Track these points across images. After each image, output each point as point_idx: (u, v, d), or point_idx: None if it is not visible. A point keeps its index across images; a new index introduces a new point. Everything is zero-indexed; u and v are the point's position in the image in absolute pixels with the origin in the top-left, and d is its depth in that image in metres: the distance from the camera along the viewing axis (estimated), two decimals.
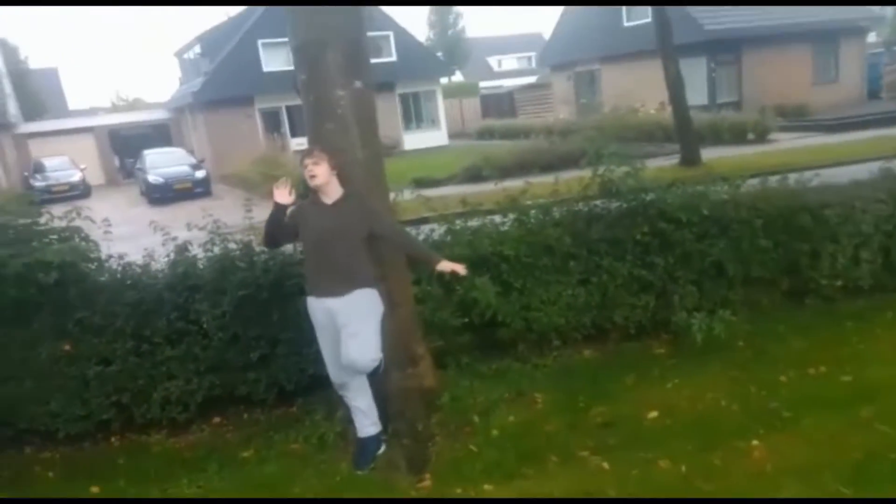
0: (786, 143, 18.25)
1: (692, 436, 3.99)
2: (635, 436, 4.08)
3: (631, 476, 3.64)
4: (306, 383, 4.91)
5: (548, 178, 6.04)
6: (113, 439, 4.89)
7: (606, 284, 5.30)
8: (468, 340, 5.26)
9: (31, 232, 4.80)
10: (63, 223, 4.95)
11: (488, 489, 3.67)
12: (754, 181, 6.09)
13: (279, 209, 3.91)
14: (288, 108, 25.88)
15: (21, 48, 47.39)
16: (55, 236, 4.86)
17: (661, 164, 14.72)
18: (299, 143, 25.53)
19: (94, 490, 4.19)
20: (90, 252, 4.93)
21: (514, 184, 6.01)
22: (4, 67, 26.40)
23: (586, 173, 5.64)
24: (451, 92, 35.53)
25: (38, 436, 4.83)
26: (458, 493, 3.66)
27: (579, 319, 5.32)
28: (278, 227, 3.98)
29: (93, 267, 4.94)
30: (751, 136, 18.96)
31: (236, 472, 4.20)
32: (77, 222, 4.99)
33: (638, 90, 23.28)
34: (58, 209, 5.11)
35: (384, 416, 4.22)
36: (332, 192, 3.91)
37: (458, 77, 46.64)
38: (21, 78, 34.50)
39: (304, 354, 4.82)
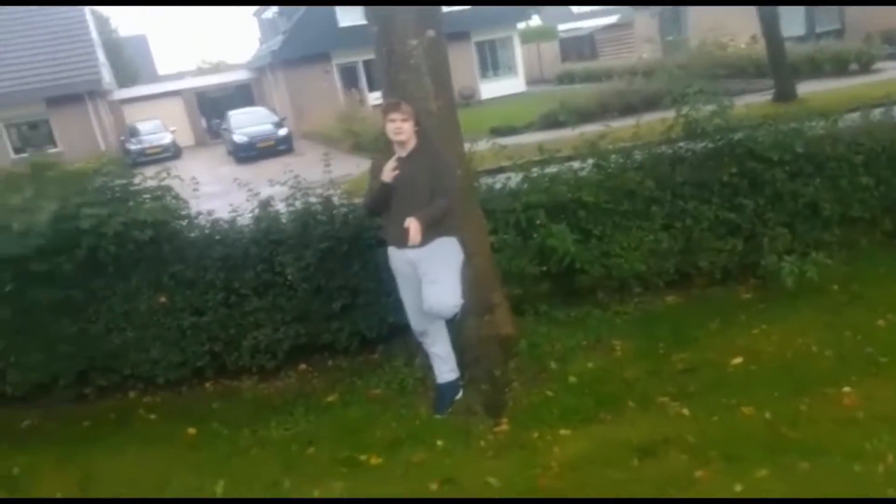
0: (893, 72, 16.86)
1: (779, 382, 3.85)
2: (718, 382, 3.99)
3: (711, 422, 3.57)
4: (386, 331, 5.04)
5: (629, 122, 5.84)
6: (207, 385, 5.19)
7: (691, 228, 5.12)
8: (547, 288, 5.23)
9: (127, 192, 5.06)
10: (155, 183, 5.20)
11: (565, 433, 3.69)
12: (855, 115, 5.69)
13: (385, 188, 3.86)
14: (365, 63, 25.96)
15: (111, 18, 49.33)
16: (148, 196, 5.11)
17: (754, 100, 13.92)
18: (377, 97, 25.59)
19: (191, 431, 4.47)
20: (180, 210, 5.17)
21: (593, 129, 5.83)
22: (98, 37, 27.54)
23: (669, 114, 5.42)
24: (529, 37, 34.60)
25: (140, 381, 5.17)
26: (535, 436, 3.70)
27: (662, 265, 5.19)
28: (382, 202, 3.97)
29: (183, 224, 5.18)
30: (854, 66, 17.63)
31: (321, 416, 4.39)
32: (167, 182, 5.23)
33: (727, 24, 21.93)
34: (151, 171, 5.35)
35: (462, 362, 4.28)
36: (409, 145, 3.90)
37: (535, 21, 45.32)
38: (113, 46, 36.01)
39: (384, 304, 4.93)
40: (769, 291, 5.07)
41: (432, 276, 3.84)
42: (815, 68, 17.67)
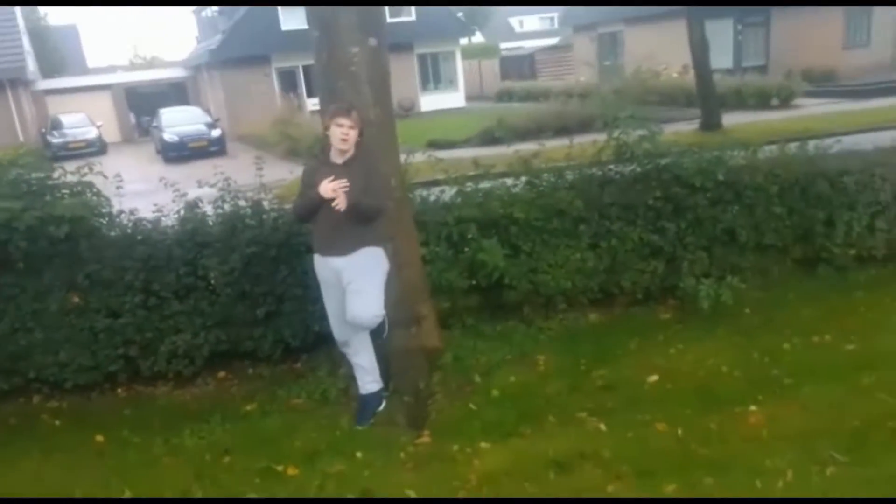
0: (810, 108, 17.85)
1: (691, 400, 3.99)
2: (634, 399, 4.09)
3: (627, 438, 3.66)
4: (311, 340, 4.97)
5: (563, 142, 5.97)
6: (119, 390, 4.98)
7: (616, 249, 5.26)
8: (474, 302, 5.28)
9: (44, 186, 4.83)
10: (76, 178, 4.98)
11: (485, 446, 3.70)
12: (773, 147, 5.98)
13: (318, 199, 3.75)
14: (305, 68, 25.67)
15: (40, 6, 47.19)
16: (67, 191, 4.90)
17: (681, 128, 14.49)
18: (315, 102, 25.33)
19: (99, 438, 4.28)
20: (101, 207, 4.97)
21: (528, 147, 5.93)
22: (23, 24, 26.31)
23: (602, 137, 5.57)
24: (471, 53, 35.03)
25: (46, 385, 4.91)
26: (455, 449, 3.70)
27: (587, 283, 5.30)
28: (312, 212, 3.88)
29: (103, 222, 4.98)
30: (775, 101, 18.56)
31: (238, 425, 4.28)
32: (89, 178, 5.02)
33: (661, 53, 22.79)
34: (73, 165, 5.13)
35: (386, 373, 4.26)
36: (349, 153, 3.84)
37: (478, 38, 45.93)
38: (40, 35, 34.47)
39: (310, 311, 4.85)
40: (686, 313, 5.25)
41: (356, 286, 3.81)
42: (740, 101, 18.51)
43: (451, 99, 28.64)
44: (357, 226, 3.81)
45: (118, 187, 5.34)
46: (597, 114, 14.33)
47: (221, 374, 5.05)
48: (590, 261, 5.27)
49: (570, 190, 5.34)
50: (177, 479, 3.72)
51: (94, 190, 5.00)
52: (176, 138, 20.25)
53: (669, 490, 3.16)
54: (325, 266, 3.92)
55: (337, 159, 3.87)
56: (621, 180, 5.48)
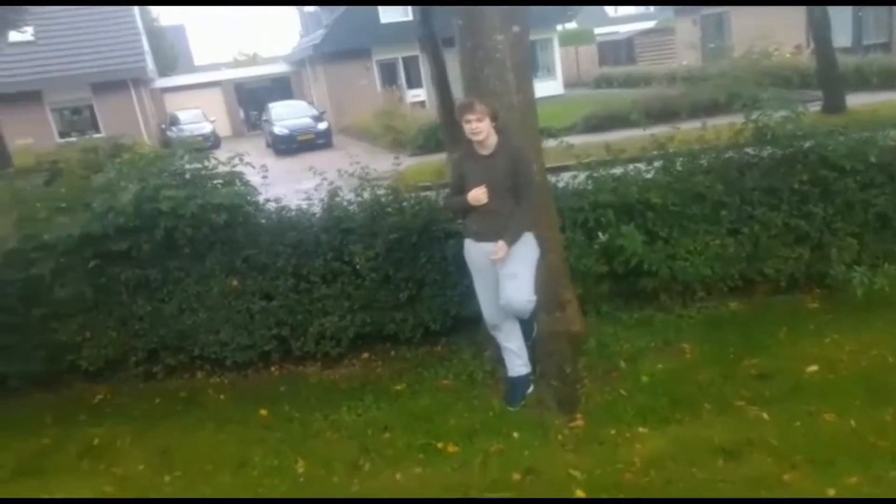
0: None
1: (858, 391, 3.84)
2: (794, 388, 3.98)
3: (794, 427, 3.57)
4: (450, 324, 5.10)
5: (681, 126, 5.82)
6: (273, 369, 5.28)
7: (758, 235, 5.11)
8: (607, 289, 5.25)
9: (200, 176, 5.18)
10: (226, 169, 5.30)
11: (643, 431, 3.71)
12: None
13: (468, 205, 3.93)
14: (404, 60, 26.08)
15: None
16: (219, 181, 5.22)
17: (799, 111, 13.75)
18: (415, 94, 25.81)
19: (263, 413, 4.57)
20: (251, 195, 5.26)
21: (640, 133, 5.82)
22: (142, 25, 27.97)
23: (723, 121, 5.41)
24: (566, 39, 34.44)
25: (208, 362, 5.29)
26: (613, 433, 3.73)
27: (727, 270, 5.18)
28: (462, 213, 4.12)
29: (252, 211, 5.28)
30: None
31: (392, 403, 4.45)
32: (238, 168, 5.32)
33: (772, 33, 21.68)
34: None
35: (533, 357, 4.32)
36: (491, 143, 3.91)
37: (571, 24, 45.12)
38: (155, 35, 36.51)
39: (449, 296, 5.00)
40: (836, 302, 5.04)
41: (510, 270, 3.88)
42: (863, 81, 17.39)
43: (549, 87, 28.24)
44: (510, 212, 3.88)
45: (264, 177, 5.64)
46: (708, 97, 14.01)
47: (365, 355, 5.25)
48: (730, 247, 5.14)
49: (707, 174, 5.22)
50: (344, 451, 3.92)
51: (244, 179, 5.31)
52: (286, 131, 21.05)
53: (852, 482, 3.06)
54: (479, 251, 4.00)
55: (482, 151, 3.94)
56: (763, 163, 5.30)
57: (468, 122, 3.83)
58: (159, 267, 4.99)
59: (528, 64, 4.37)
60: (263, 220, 5.26)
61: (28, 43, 21.01)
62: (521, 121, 4.29)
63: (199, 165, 5.25)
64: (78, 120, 24.30)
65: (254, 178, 5.44)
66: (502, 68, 4.20)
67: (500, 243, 3.81)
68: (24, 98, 21.82)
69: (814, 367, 4.16)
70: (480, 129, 3.82)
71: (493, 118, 3.86)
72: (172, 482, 3.90)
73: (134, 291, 5.04)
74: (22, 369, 5.11)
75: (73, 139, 21.42)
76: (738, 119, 5.56)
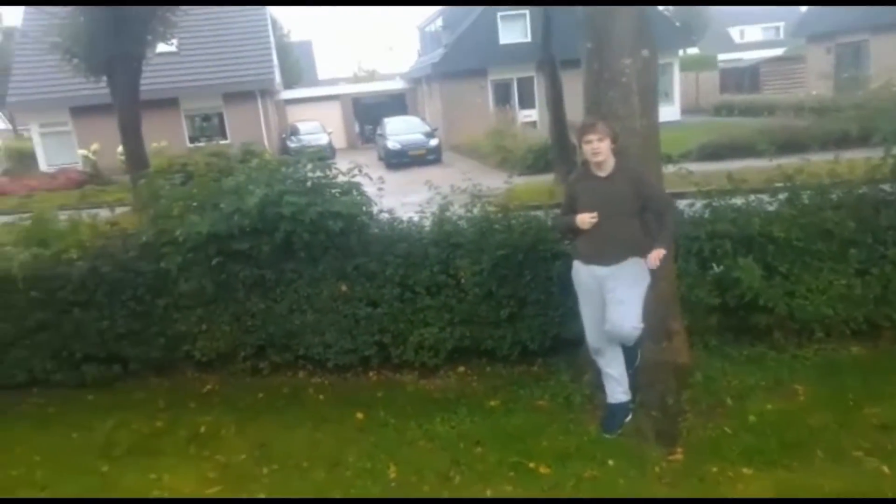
0: None
1: None
2: None
3: None
4: (548, 345, 5.07)
5: (810, 158, 5.54)
6: (371, 374, 5.41)
7: (890, 276, 4.78)
8: (716, 322, 5.05)
9: (321, 185, 5.42)
10: (345, 179, 5.52)
11: (747, 472, 3.55)
12: None
13: (576, 226, 3.97)
14: (519, 80, 26.23)
15: (282, 22, 52.76)
16: (338, 190, 5.44)
17: None
18: (527, 114, 25.83)
19: (359, 416, 4.70)
20: (366, 205, 5.45)
21: (761, 163, 5.56)
22: (273, 40, 29.62)
23: (857, 154, 5.09)
24: (687, 65, 33.52)
25: (310, 363, 5.49)
26: (714, 471, 3.59)
27: (851, 312, 4.87)
28: (569, 234, 4.20)
29: (367, 220, 5.46)
30: None
31: (485, 419, 4.46)
32: (357, 178, 5.53)
33: None
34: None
35: (634, 385, 4.22)
36: (608, 165, 3.91)
37: (693, 49, 43.86)
38: (284, 49, 38.55)
39: (550, 317, 4.98)
40: None
41: (619, 296, 3.83)
42: None
43: (666, 112, 27.34)
44: (626, 237, 3.84)
45: (379, 189, 5.83)
46: (841, 129, 13.20)
47: (462, 368, 5.30)
48: (857, 288, 4.84)
49: (837, 209, 4.94)
50: (435, 461, 3.98)
51: (360, 189, 5.51)
52: (399, 146, 21.65)
53: None
54: (589, 274, 3.98)
55: (599, 172, 3.93)
56: None
57: (589, 142, 3.84)
58: (275, 268, 5.25)
59: (655, 89, 4.32)
60: (376, 230, 5.44)
61: (171, 53, 22.67)
62: (643, 146, 4.24)
63: (320, 174, 5.50)
64: (207, 126, 25.97)
65: (368, 189, 5.63)
66: (628, 92, 4.18)
67: (659, 251, 3.80)
68: (163, 104, 23.55)
69: None
70: (601, 150, 3.83)
71: (613, 140, 3.87)
72: (270, 474, 4.08)
73: (250, 290, 5.32)
74: (143, 354, 5.51)
75: (201, 144, 22.93)
76: (874, 153, 5.26)
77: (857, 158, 5.44)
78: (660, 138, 4.47)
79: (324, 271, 5.24)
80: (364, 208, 5.39)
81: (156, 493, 3.93)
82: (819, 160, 5.58)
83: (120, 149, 15.55)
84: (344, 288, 5.24)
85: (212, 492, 3.92)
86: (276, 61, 28.51)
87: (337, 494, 3.77)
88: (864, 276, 4.84)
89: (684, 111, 29.01)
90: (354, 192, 5.47)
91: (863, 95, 19.54)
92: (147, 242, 5.44)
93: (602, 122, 3.90)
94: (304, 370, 5.53)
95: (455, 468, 3.88)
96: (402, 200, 7.09)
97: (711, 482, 3.49)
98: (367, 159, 8.44)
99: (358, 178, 5.56)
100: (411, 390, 5.12)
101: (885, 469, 3.47)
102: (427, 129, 23.46)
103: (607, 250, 3.85)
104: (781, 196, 5.17)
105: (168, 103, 23.99)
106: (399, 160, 21.32)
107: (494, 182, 5.95)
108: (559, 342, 5.01)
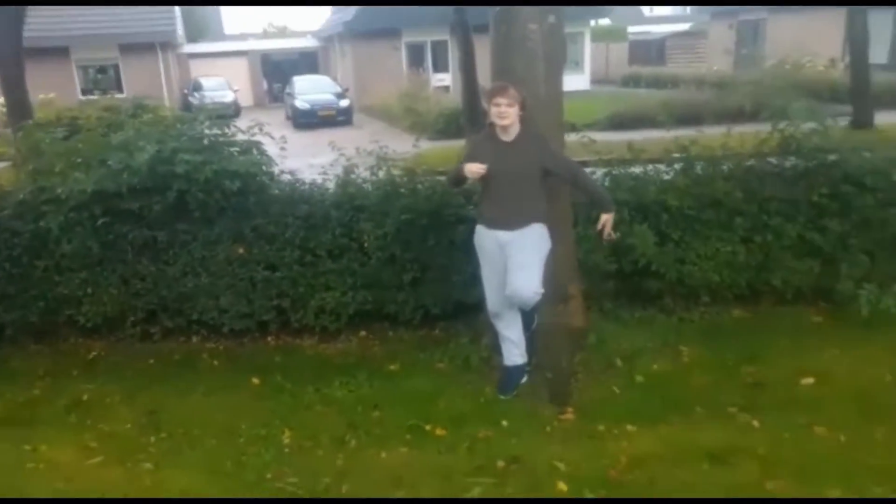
0: None
1: (851, 407, 3.81)
2: (788, 400, 3.96)
3: (783, 438, 3.55)
4: (451, 309, 5.09)
5: (705, 131, 5.76)
6: (269, 339, 5.29)
7: (771, 245, 5.06)
8: (612, 287, 5.21)
9: (219, 143, 5.19)
10: (245, 137, 5.30)
11: (632, 430, 3.70)
12: None
13: (464, 177, 4.01)
14: (433, 44, 25.98)
15: None
16: (237, 148, 5.23)
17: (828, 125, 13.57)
18: (440, 78, 25.71)
19: (255, 381, 4.60)
20: (266, 165, 5.27)
21: (663, 134, 5.77)
22: None
23: (748, 129, 5.35)
24: (598, 35, 34.11)
25: (205, 328, 5.29)
26: (602, 429, 3.73)
27: (735, 278, 5.13)
28: (457, 184, 4.29)
29: (266, 181, 5.28)
30: None
31: (385, 383, 4.46)
32: (257, 137, 5.33)
33: (807, 44, 21.39)
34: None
35: (530, 348, 4.31)
36: (513, 130, 3.90)
37: (605, 21, 44.61)
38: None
39: (453, 281, 4.99)
40: (841, 318, 4.98)
41: (521, 261, 3.86)
42: (895, 99, 17.11)
43: (575, 81, 27.97)
44: (528, 202, 3.87)
45: (282, 148, 5.64)
46: (739, 105, 13.83)
47: (363, 333, 5.26)
48: (741, 255, 5.09)
49: (727, 180, 5.17)
50: (331, 425, 3.94)
51: (261, 148, 5.32)
52: (307, 106, 21.09)
53: (834, 495, 3.04)
54: (492, 239, 3.99)
55: (504, 137, 3.93)
56: (785, 174, 5.24)
57: (497, 105, 3.82)
58: (167, 229, 5.01)
59: (560, 56, 4.33)
60: (276, 191, 5.27)
61: None
62: (546, 112, 4.25)
63: (217, 132, 5.27)
64: (102, 79, 24.47)
65: (271, 149, 5.43)
66: (533, 57, 4.17)
67: (608, 216, 4.06)
68: (52, 53, 21.95)
69: (810, 380, 4.14)
70: (508, 114, 3.82)
71: (522, 107, 3.86)
72: (157, 443, 3.93)
73: (139, 251, 5.07)
74: (20, 319, 5.17)
75: (94, 97, 21.55)
76: (764, 128, 5.52)
77: (748, 132, 5.68)
78: (563, 106, 4.50)
79: (220, 233, 5.05)
80: (264, 168, 5.21)
81: (30, 466, 3.71)
82: (714, 133, 5.80)
83: (1, 100, 14.38)
84: (241, 250, 5.07)
85: (93, 462, 3.74)
86: (178, 13, 27.05)
87: (228, 463, 3.67)
88: (747, 243, 5.10)
89: (594, 81, 29.65)
90: (254, 152, 5.28)
91: (758, 72, 20.53)
92: (24, 200, 5.07)
93: (514, 87, 3.87)
94: (198, 335, 5.33)
95: (351, 432, 3.86)
96: (308, 162, 6.91)
97: (598, 440, 3.63)
98: (274, 119, 8.17)
99: (259, 138, 5.37)
100: (311, 355, 5.05)
101: (756, 423, 3.71)
102: (338, 89, 22.96)
103: (511, 216, 3.88)
104: (677, 166, 5.36)
105: (58, 52, 22.44)
106: (308, 120, 20.78)
107: (404, 146, 5.85)
108: (461, 307, 5.04)
